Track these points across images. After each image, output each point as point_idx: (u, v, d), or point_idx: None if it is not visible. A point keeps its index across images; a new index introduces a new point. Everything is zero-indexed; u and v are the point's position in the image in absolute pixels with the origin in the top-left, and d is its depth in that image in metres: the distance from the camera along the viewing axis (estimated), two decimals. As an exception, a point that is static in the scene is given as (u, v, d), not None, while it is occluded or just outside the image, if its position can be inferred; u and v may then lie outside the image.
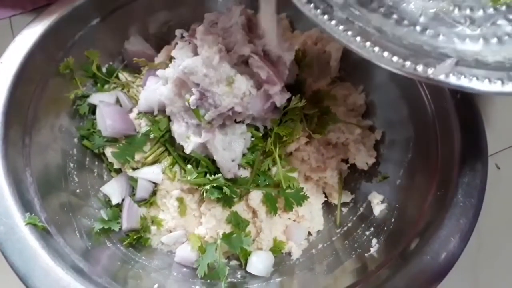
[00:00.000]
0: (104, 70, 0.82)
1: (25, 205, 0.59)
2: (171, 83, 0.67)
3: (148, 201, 0.74)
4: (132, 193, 0.74)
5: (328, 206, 0.78)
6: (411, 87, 0.74)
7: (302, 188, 0.71)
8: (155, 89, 0.70)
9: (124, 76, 0.82)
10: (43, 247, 0.56)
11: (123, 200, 0.74)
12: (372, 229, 0.70)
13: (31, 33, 0.73)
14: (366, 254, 0.65)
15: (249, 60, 0.64)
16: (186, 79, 0.64)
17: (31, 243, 0.56)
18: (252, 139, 0.70)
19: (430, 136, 0.69)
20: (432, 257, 0.57)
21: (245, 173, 0.70)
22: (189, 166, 0.70)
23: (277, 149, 0.70)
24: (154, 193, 0.74)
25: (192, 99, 0.63)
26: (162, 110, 0.71)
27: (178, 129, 0.68)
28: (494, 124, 0.69)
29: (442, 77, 0.43)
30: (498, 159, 0.84)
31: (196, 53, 0.67)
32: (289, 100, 0.69)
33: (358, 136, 0.78)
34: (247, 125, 0.69)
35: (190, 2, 0.86)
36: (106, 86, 0.81)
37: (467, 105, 0.68)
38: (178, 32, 0.71)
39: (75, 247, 0.61)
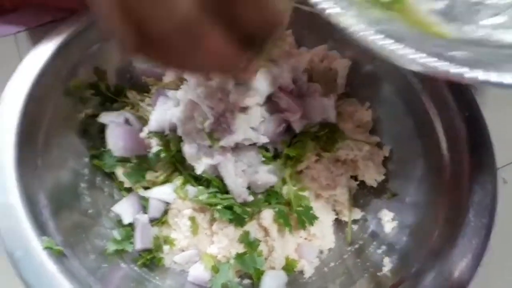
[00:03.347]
0: (112, 88, 0.82)
1: (41, 228, 0.59)
2: (183, 105, 0.67)
3: (160, 220, 0.74)
4: (144, 212, 0.74)
5: (338, 224, 0.78)
6: (417, 103, 0.75)
7: (311, 207, 0.72)
8: (166, 110, 0.71)
9: (132, 94, 0.82)
10: (61, 271, 0.56)
11: (134, 219, 0.74)
12: (383, 247, 0.70)
13: (40, 53, 0.73)
14: (378, 273, 0.66)
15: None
16: (200, 103, 0.64)
17: (49, 267, 0.56)
18: (263, 159, 0.71)
19: (439, 153, 0.70)
20: (446, 278, 0.58)
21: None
22: (200, 187, 0.71)
23: (288, 169, 0.71)
24: (165, 212, 0.74)
25: (207, 123, 0.64)
26: (173, 130, 0.72)
27: (190, 150, 0.69)
28: (500, 137, 0.70)
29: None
30: (505, 173, 0.85)
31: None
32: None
33: (367, 152, 0.79)
34: (258, 147, 0.70)
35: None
36: (115, 105, 0.81)
37: (475, 121, 0.69)
38: None
39: (90, 269, 0.61)
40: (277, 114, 0.68)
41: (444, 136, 0.70)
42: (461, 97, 0.71)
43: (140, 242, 0.70)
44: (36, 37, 1.05)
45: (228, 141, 0.65)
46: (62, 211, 0.67)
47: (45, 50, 0.73)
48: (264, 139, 0.67)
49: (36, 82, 0.70)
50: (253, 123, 0.65)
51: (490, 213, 0.61)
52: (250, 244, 0.69)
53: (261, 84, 0.63)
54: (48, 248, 0.57)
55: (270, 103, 0.68)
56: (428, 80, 0.74)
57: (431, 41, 0.45)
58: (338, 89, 0.86)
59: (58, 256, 0.58)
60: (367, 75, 0.85)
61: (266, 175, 0.69)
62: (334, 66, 0.85)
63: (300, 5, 0.85)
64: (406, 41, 0.42)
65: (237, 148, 0.68)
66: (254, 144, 0.69)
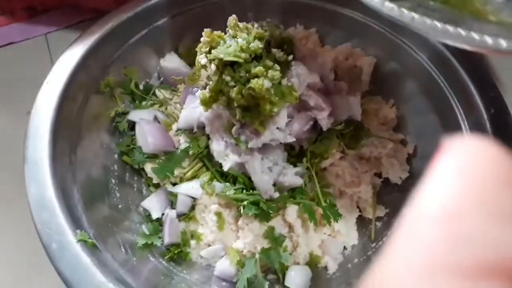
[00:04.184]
0: (141, 87, 0.85)
1: (75, 222, 0.62)
2: (211, 105, 0.69)
3: (188, 216, 0.76)
4: (171, 208, 0.76)
5: (361, 220, 0.79)
6: (442, 100, 0.75)
7: (335, 204, 0.73)
8: (194, 108, 0.72)
9: (161, 93, 0.84)
10: (94, 264, 0.58)
11: (162, 214, 0.76)
12: (408, 244, 0.70)
13: (73, 54, 0.75)
14: (403, 269, 0.66)
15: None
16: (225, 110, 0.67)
17: (84, 259, 0.58)
18: (288, 156, 0.72)
19: (464, 151, 0.70)
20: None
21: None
22: (226, 183, 0.72)
23: (313, 166, 0.72)
24: (192, 207, 0.76)
25: (234, 129, 0.66)
26: (201, 127, 0.74)
27: (217, 147, 0.71)
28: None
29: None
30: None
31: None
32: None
33: (391, 150, 0.79)
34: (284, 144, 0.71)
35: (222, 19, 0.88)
36: (144, 103, 0.83)
37: (502, 118, 0.69)
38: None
39: (121, 262, 0.64)
40: (304, 112, 0.69)
41: (470, 133, 0.70)
42: (487, 94, 0.71)
43: (168, 236, 0.72)
44: (66, 37, 1.08)
45: (255, 143, 0.67)
46: (94, 205, 0.69)
47: (78, 50, 0.76)
48: (291, 139, 0.68)
49: (70, 81, 0.72)
50: (280, 124, 0.66)
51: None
52: (275, 239, 0.71)
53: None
54: (82, 241, 0.59)
55: (299, 101, 0.69)
56: (453, 76, 0.74)
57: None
58: (363, 87, 0.86)
59: (92, 248, 0.60)
60: (391, 72, 0.85)
61: (293, 178, 0.70)
62: (358, 64, 0.85)
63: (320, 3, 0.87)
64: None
65: (263, 146, 0.70)
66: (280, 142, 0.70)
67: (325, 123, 0.69)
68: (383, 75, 0.86)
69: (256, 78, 0.60)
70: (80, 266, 0.58)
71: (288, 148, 0.73)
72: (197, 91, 0.75)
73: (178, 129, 0.77)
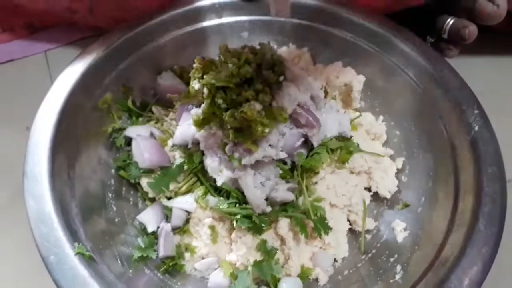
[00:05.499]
0: (138, 104, 0.87)
1: (73, 235, 0.64)
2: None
3: (182, 229, 0.78)
4: (166, 221, 0.78)
5: (352, 233, 0.81)
6: (429, 117, 0.79)
7: (326, 218, 0.75)
8: (189, 125, 0.75)
9: (157, 110, 0.87)
10: (92, 276, 0.60)
11: (157, 227, 0.78)
12: (396, 255, 0.73)
13: (73, 71, 0.78)
14: (391, 281, 0.68)
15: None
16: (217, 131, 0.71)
17: (82, 272, 0.60)
18: (280, 172, 0.74)
19: (449, 166, 0.73)
20: (456, 285, 0.60)
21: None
22: (220, 197, 0.75)
23: (304, 180, 0.74)
24: (187, 221, 0.78)
25: (228, 147, 0.69)
26: (195, 143, 0.76)
27: (212, 163, 0.73)
28: (510, 150, 0.73)
29: None
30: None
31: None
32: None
33: (380, 165, 0.82)
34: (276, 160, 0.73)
35: (218, 39, 0.91)
36: (140, 119, 0.86)
37: (485, 134, 0.71)
38: None
39: (117, 274, 0.65)
40: (296, 129, 0.71)
41: (455, 149, 0.73)
42: (470, 110, 0.74)
43: (163, 249, 0.74)
44: (66, 54, 1.11)
45: (248, 160, 0.69)
46: (91, 219, 0.71)
47: (77, 68, 0.79)
48: (283, 155, 0.71)
49: (69, 99, 0.75)
50: (272, 141, 0.69)
51: (500, 222, 0.63)
52: (268, 252, 0.72)
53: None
54: (79, 254, 0.61)
55: (290, 119, 0.72)
56: (438, 94, 0.77)
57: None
58: (354, 104, 0.89)
59: (89, 261, 0.62)
60: (380, 90, 0.88)
61: (285, 193, 0.72)
62: (349, 82, 0.88)
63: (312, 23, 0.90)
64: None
65: (256, 162, 0.72)
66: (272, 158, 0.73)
67: (316, 139, 0.72)
68: (374, 91, 0.89)
69: (247, 102, 0.64)
70: (77, 278, 0.59)
71: (280, 163, 0.76)
72: (192, 108, 0.78)
73: (173, 145, 0.79)
